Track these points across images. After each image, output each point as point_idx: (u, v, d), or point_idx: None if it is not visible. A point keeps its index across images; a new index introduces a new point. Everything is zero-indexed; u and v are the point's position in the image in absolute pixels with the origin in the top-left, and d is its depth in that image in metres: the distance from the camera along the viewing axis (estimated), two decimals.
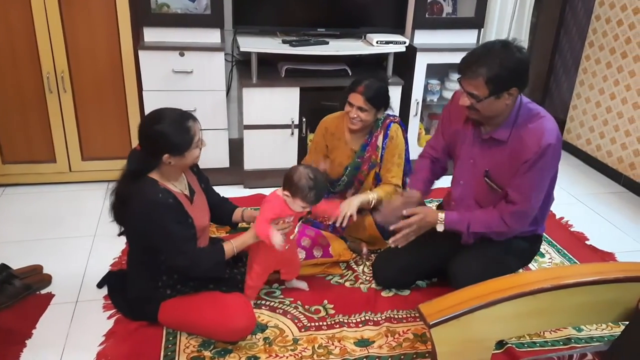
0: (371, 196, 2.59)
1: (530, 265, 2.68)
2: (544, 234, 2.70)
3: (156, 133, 1.95)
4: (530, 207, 2.12)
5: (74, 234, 2.82)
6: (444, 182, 2.55)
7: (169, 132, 1.94)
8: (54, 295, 2.37)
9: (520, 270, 2.43)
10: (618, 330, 2.26)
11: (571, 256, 2.84)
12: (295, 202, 2.15)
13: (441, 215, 2.19)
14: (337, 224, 2.47)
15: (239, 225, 2.50)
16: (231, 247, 2.14)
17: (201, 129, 2.04)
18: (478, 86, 1.96)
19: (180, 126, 1.95)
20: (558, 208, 3.27)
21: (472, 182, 2.24)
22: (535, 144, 2.00)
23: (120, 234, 2.14)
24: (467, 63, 1.99)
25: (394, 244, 2.23)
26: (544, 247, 2.87)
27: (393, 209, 2.26)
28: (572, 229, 3.12)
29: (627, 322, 1.64)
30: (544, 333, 2.27)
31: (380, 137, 2.68)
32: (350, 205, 2.49)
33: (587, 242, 3.00)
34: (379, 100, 2.57)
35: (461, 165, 2.28)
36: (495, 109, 2.03)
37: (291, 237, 2.26)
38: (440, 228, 2.20)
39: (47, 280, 2.43)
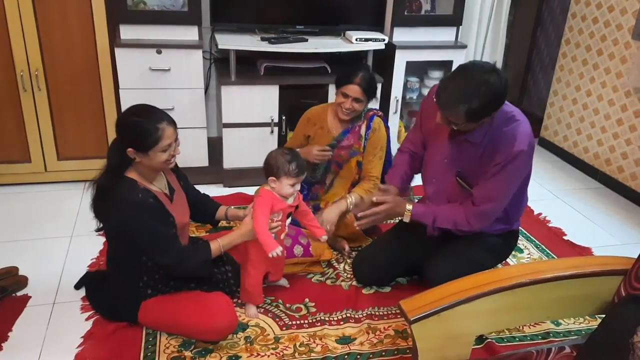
0: (349, 200, 2.66)
1: (508, 261, 2.70)
2: (522, 229, 2.73)
3: (124, 124, 1.96)
4: (493, 209, 2.14)
5: (50, 235, 2.78)
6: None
7: (136, 126, 1.92)
8: (30, 297, 2.33)
9: (499, 266, 2.46)
10: (595, 323, 2.30)
11: (549, 251, 2.87)
12: (282, 184, 2.15)
13: (409, 207, 2.22)
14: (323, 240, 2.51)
15: (220, 224, 2.48)
16: (218, 245, 2.11)
17: (177, 138, 2.00)
18: (457, 118, 1.95)
19: (149, 124, 1.92)
20: (536, 204, 3.31)
21: (444, 181, 2.24)
22: (507, 149, 2.00)
23: (98, 230, 2.11)
24: (446, 99, 1.94)
25: (358, 227, 2.31)
26: (522, 243, 2.90)
27: (369, 204, 2.29)
28: (550, 225, 3.15)
29: (604, 316, 1.66)
30: (523, 327, 2.30)
31: (364, 127, 2.73)
32: (330, 217, 2.57)
33: (564, 237, 3.04)
34: (373, 91, 2.66)
35: (434, 164, 2.28)
36: (473, 127, 2.03)
37: (282, 237, 2.26)
38: (406, 219, 2.24)
39: (23, 282, 2.39)
